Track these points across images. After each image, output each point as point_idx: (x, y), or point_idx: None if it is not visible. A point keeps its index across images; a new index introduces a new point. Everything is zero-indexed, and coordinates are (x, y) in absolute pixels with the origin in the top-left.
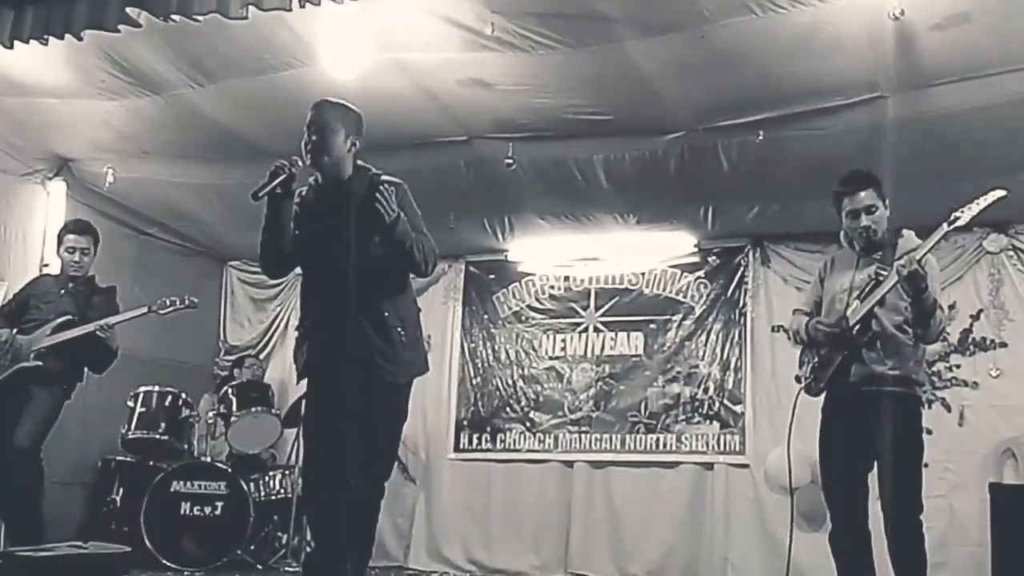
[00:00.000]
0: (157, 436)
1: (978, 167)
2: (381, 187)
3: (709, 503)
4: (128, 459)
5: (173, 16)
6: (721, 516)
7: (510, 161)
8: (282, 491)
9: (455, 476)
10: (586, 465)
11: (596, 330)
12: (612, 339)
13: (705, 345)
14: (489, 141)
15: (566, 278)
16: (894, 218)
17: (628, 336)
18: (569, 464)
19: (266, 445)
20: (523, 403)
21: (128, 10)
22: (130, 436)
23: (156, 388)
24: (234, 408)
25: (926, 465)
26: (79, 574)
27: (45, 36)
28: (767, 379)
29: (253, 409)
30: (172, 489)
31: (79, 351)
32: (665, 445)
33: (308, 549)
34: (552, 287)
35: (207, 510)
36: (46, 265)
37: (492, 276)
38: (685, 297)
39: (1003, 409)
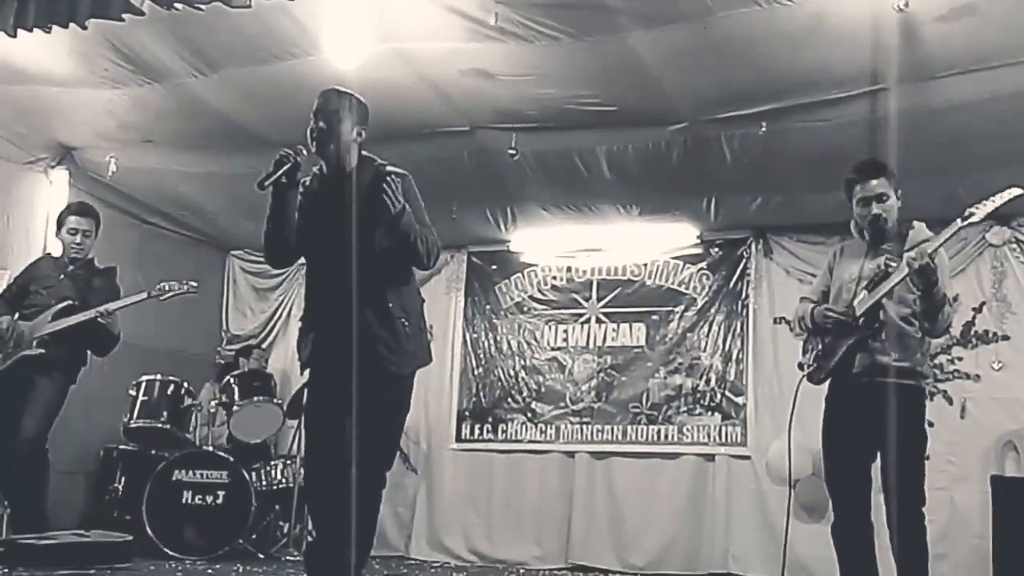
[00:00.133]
0: (159, 425)
1: (982, 159)
2: (388, 178)
3: (710, 494)
4: (130, 448)
5: (176, 5)
6: (722, 507)
7: (513, 151)
8: (284, 480)
9: (456, 466)
10: (588, 456)
11: (598, 321)
12: (614, 330)
13: (707, 336)
14: (492, 131)
15: (568, 269)
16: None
17: (630, 327)
18: (571, 455)
19: (268, 434)
20: (525, 394)
21: None
22: (132, 425)
23: (158, 377)
24: (236, 397)
25: (927, 457)
26: (81, 562)
27: (49, 25)
28: (769, 371)
29: (255, 398)
30: (174, 478)
31: (81, 336)
32: (667, 436)
33: (309, 538)
34: (554, 278)
35: (209, 499)
36: (48, 254)
37: (494, 267)
38: (687, 288)
39: (1005, 402)
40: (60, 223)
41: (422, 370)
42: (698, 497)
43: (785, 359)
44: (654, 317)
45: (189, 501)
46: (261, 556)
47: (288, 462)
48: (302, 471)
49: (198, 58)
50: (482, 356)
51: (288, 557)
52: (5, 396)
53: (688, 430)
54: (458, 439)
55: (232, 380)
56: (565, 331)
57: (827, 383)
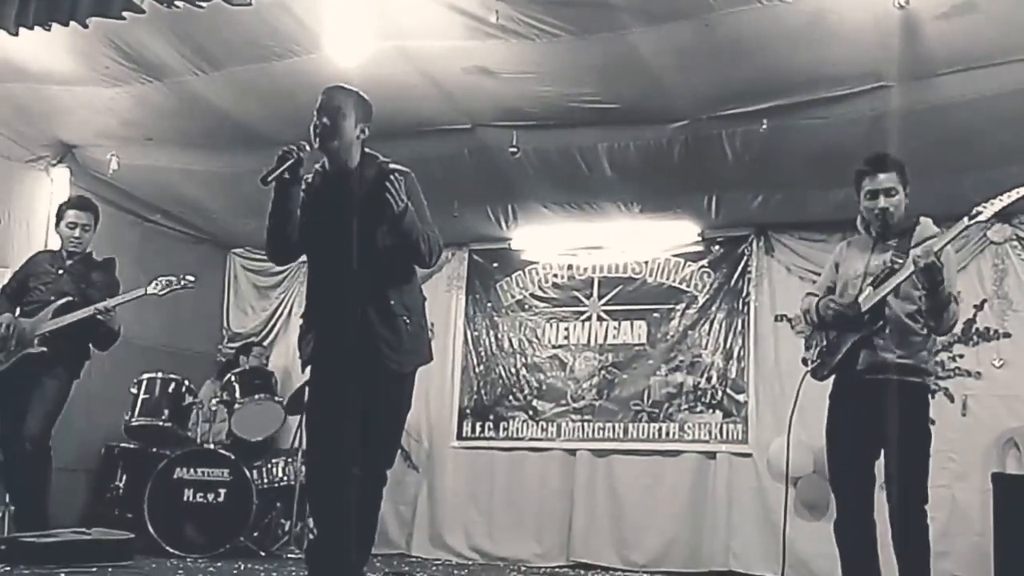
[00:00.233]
0: (160, 423)
1: (984, 157)
2: (392, 176)
3: (711, 492)
4: (131, 446)
5: (177, 2)
6: (723, 505)
7: (514, 149)
8: (285, 478)
9: (458, 464)
10: (589, 454)
11: (599, 319)
12: (615, 328)
13: (708, 334)
14: (493, 129)
15: (569, 267)
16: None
17: (631, 325)
18: (572, 452)
19: (269, 432)
20: (526, 391)
21: None
22: (133, 423)
23: (159, 375)
24: (237, 395)
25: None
26: (83, 560)
27: (49, 22)
28: (770, 368)
29: (256, 396)
30: (175, 476)
31: (82, 332)
32: (668, 434)
33: (311, 536)
34: (555, 275)
35: (210, 497)
36: (47, 248)
37: (495, 264)
38: (688, 286)
39: (1006, 399)
40: (59, 217)
41: (423, 368)
42: (699, 495)
43: (786, 357)
44: (655, 315)
45: (190, 499)
46: (262, 554)
47: (289, 460)
48: (303, 469)
49: (199, 56)
50: (483, 354)
51: (289, 555)
52: (8, 395)
53: (689, 428)
54: (459, 437)
55: (233, 378)
56: (566, 329)
57: (831, 380)
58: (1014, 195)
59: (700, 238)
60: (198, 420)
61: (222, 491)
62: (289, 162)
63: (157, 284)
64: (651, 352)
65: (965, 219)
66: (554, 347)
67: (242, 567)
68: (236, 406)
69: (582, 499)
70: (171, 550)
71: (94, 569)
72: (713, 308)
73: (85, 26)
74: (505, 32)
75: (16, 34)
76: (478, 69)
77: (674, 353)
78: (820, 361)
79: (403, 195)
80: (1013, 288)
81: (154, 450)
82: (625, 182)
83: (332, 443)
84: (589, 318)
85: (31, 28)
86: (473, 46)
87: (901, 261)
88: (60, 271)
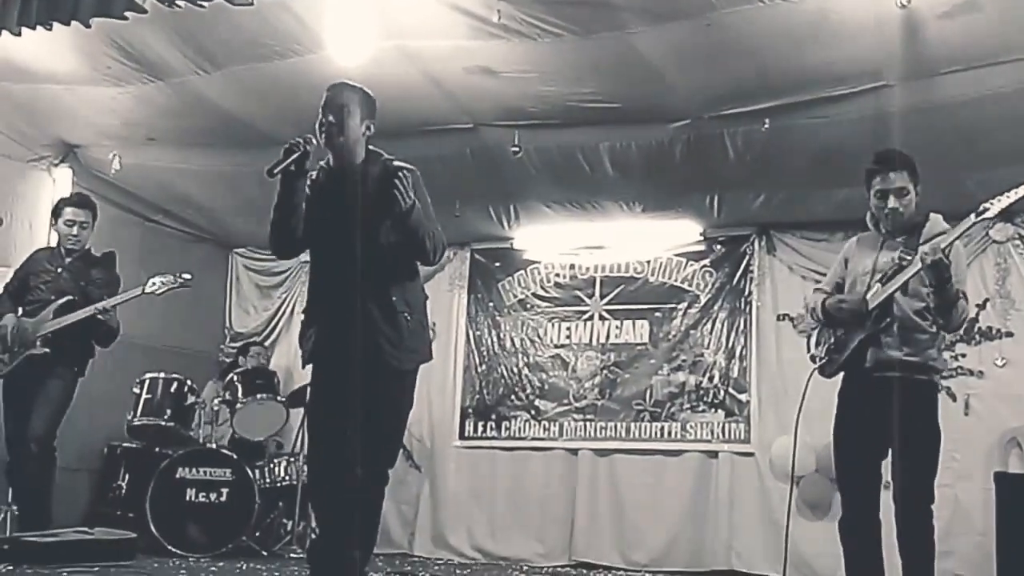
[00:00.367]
0: (163, 423)
1: (986, 156)
2: (401, 173)
3: (714, 491)
4: (134, 445)
5: (178, 2)
6: (726, 504)
7: (516, 149)
8: (287, 478)
9: (460, 464)
10: (591, 453)
11: (601, 318)
12: (617, 327)
13: (710, 333)
14: (495, 129)
15: (571, 266)
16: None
17: (633, 324)
18: (574, 452)
19: (271, 432)
20: (528, 391)
21: None
22: (136, 422)
23: (162, 375)
24: (239, 395)
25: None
26: (85, 560)
27: (51, 22)
28: (772, 368)
29: (258, 396)
30: (178, 475)
31: (83, 330)
32: (670, 433)
33: (313, 536)
34: (557, 275)
35: (212, 496)
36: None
37: (497, 264)
38: (690, 285)
39: (1009, 398)
40: (57, 214)
41: (425, 367)
42: (701, 494)
43: (788, 356)
44: (657, 314)
45: (193, 499)
46: (264, 553)
47: (292, 459)
48: (306, 468)
49: (201, 56)
50: (485, 353)
51: (292, 554)
52: (13, 395)
53: (691, 427)
54: (461, 436)
55: (235, 378)
56: (568, 328)
57: (838, 378)
58: (1022, 191)
59: (702, 237)
60: (200, 420)
61: (224, 491)
62: (295, 155)
63: (154, 284)
64: (653, 351)
65: (972, 216)
66: (556, 347)
67: (244, 567)
68: (238, 406)
69: (584, 499)
70: (173, 550)
71: (96, 568)
72: (715, 307)
73: (87, 26)
74: (507, 32)
75: (19, 34)
76: (480, 69)
77: (676, 352)
78: (828, 359)
79: (411, 192)
80: (1016, 287)
81: (156, 450)
82: (627, 181)
83: (334, 442)
84: (591, 317)
85: (33, 28)
86: (475, 46)
87: (910, 258)
88: (59, 269)
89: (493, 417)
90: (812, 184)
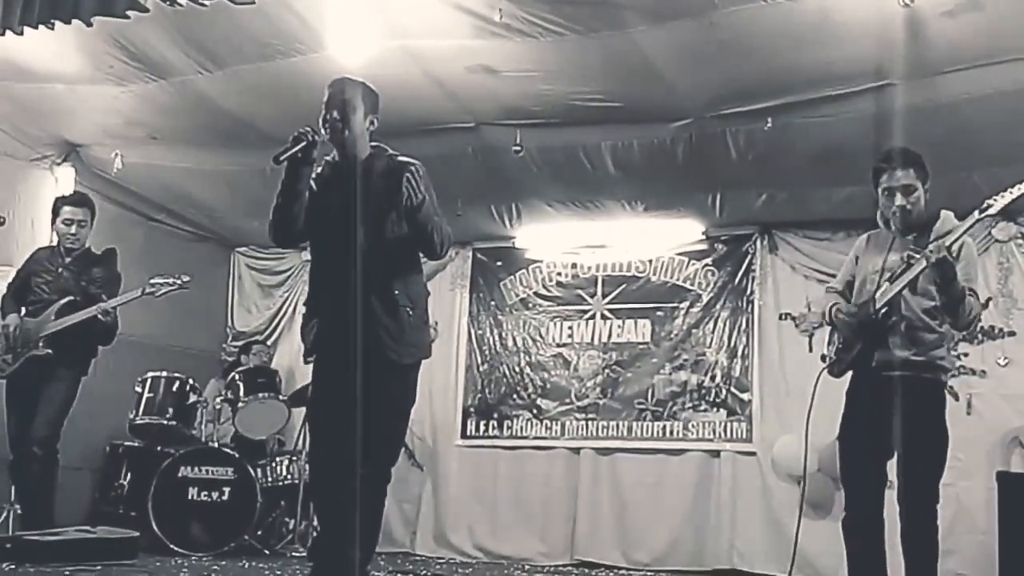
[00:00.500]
0: (165, 422)
1: (989, 155)
2: (411, 168)
3: (715, 490)
4: (136, 444)
5: (180, 1)
6: (727, 504)
7: (518, 148)
8: (289, 477)
9: (462, 463)
10: (593, 452)
11: (603, 317)
12: (619, 326)
13: (712, 333)
14: (497, 128)
15: (573, 265)
16: None
17: (635, 323)
18: (576, 451)
19: (273, 431)
20: (530, 390)
21: None
22: (138, 421)
23: (164, 374)
24: (241, 394)
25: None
26: (87, 558)
27: (52, 21)
28: (774, 367)
29: (260, 395)
30: (180, 474)
31: (85, 330)
32: (672, 432)
33: (315, 534)
34: (559, 274)
35: (215, 495)
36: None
37: (499, 263)
38: (692, 285)
39: (1011, 398)
40: (55, 213)
41: (427, 366)
42: (703, 493)
43: (790, 355)
44: (659, 313)
45: (195, 497)
46: (266, 552)
47: (293, 458)
48: (308, 467)
49: (203, 55)
50: (487, 352)
51: (294, 553)
52: (16, 396)
53: (693, 426)
54: (463, 435)
55: (237, 376)
56: (570, 327)
57: (841, 377)
58: None
59: (704, 236)
60: (202, 419)
61: (226, 489)
62: (303, 143)
63: (154, 285)
64: (655, 351)
65: (976, 213)
66: (558, 346)
67: (246, 565)
68: (240, 405)
69: (586, 498)
70: (175, 548)
71: (99, 567)
72: (717, 306)
73: (89, 24)
74: (509, 31)
75: (21, 33)
76: (482, 68)
77: (678, 352)
78: (836, 358)
79: (422, 187)
80: (1018, 286)
81: (158, 448)
82: (629, 180)
83: (335, 440)
84: (593, 316)
85: (35, 27)
86: (477, 45)
87: (918, 256)
88: (60, 269)
89: (495, 416)
90: (814, 183)
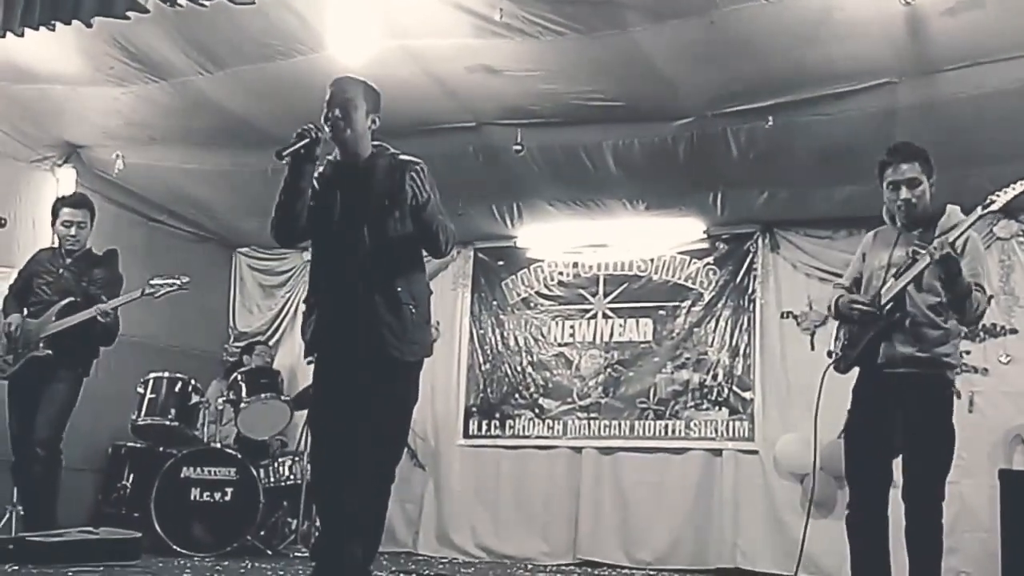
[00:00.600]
0: (167, 422)
1: (990, 152)
2: (416, 167)
3: (718, 489)
4: (138, 445)
5: (180, 1)
6: (730, 502)
7: (519, 147)
8: (291, 477)
9: (464, 462)
10: (595, 451)
11: (605, 316)
12: (621, 325)
13: (714, 331)
14: (498, 127)
15: (575, 264)
16: None
17: (637, 322)
18: (578, 450)
19: (275, 431)
20: (532, 389)
21: None
22: (140, 422)
23: (166, 374)
24: (244, 394)
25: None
26: (90, 559)
27: (53, 22)
28: (776, 365)
29: (263, 395)
30: (182, 475)
31: (86, 330)
32: (674, 431)
33: (317, 535)
34: (561, 273)
35: (217, 496)
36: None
37: (501, 262)
38: (694, 283)
39: (1013, 396)
40: (55, 214)
41: (429, 366)
42: (705, 492)
43: (792, 354)
44: (661, 312)
45: (197, 498)
46: (269, 552)
47: (296, 458)
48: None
49: (204, 55)
50: (489, 352)
51: (296, 553)
52: (18, 397)
53: (695, 425)
54: (465, 435)
55: (239, 377)
56: (572, 327)
57: (844, 375)
58: None
59: (706, 235)
60: (205, 419)
61: (229, 490)
62: (306, 140)
63: (154, 286)
64: (657, 350)
65: (979, 208)
66: (560, 345)
67: (249, 566)
68: (242, 405)
69: (588, 497)
70: (178, 549)
71: (101, 568)
72: (719, 305)
73: (89, 25)
74: (509, 30)
75: (22, 35)
76: (482, 67)
77: (680, 351)
78: (842, 355)
79: (427, 186)
80: (1020, 284)
81: (161, 449)
82: (630, 180)
83: (337, 439)
84: (595, 316)
85: (36, 28)
86: (477, 44)
87: (922, 252)
88: (61, 269)
89: (497, 416)
90: (816, 181)
